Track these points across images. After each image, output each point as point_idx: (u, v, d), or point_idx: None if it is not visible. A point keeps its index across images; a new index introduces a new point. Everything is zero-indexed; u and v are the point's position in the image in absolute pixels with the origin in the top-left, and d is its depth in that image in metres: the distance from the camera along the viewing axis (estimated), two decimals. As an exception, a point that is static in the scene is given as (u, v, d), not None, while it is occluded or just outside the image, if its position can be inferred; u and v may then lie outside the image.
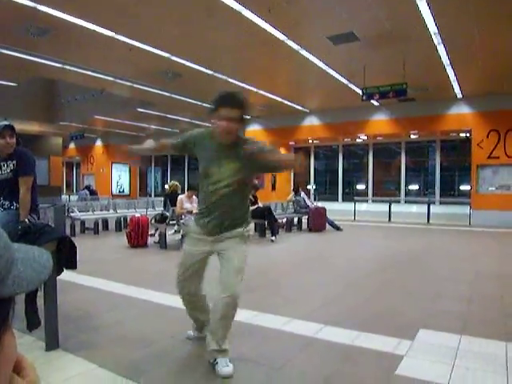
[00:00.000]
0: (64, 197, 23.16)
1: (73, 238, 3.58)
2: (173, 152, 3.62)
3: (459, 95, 13.93)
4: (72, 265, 3.46)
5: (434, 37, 8.71)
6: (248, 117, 2.91)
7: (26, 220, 3.59)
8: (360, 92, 11.79)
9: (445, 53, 9.63)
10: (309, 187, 18.34)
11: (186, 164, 23.33)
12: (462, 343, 3.47)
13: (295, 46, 9.43)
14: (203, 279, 3.20)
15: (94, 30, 8.48)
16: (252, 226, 3.14)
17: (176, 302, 4.68)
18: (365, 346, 3.45)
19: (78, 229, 11.14)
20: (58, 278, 3.41)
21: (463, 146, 15.48)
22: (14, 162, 3.67)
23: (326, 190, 19.37)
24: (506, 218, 13.27)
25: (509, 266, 7.07)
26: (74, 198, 22.51)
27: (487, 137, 13.92)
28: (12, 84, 12.46)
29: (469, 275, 6.32)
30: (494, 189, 14.08)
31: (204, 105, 15.30)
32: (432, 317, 4.25)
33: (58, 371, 2.94)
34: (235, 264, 2.91)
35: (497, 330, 3.80)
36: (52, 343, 3.29)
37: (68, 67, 10.86)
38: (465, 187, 15.80)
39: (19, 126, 3.90)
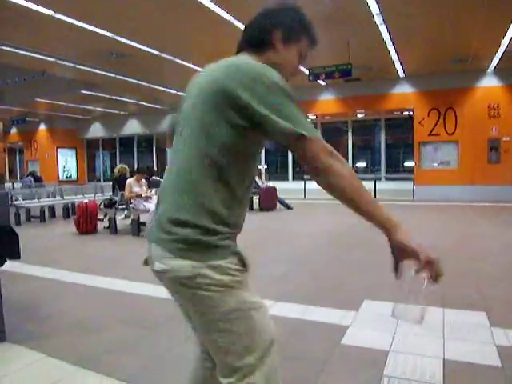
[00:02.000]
0: (7, 184, 22.23)
1: (18, 227, 3.52)
2: None
3: (402, 75, 14.37)
4: (15, 255, 3.38)
5: (376, 17, 8.91)
6: None
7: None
8: (307, 72, 11.91)
9: (387, 33, 9.87)
10: (259, 167, 18.47)
11: (136, 146, 22.90)
12: (402, 311, 3.69)
13: (240, 25, 9.38)
14: None
15: (33, 9, 8.11)
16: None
17: (126, 286, 4.71)
18: (313, 319, 3.62)
19: (23, 217, 10.78)
20: (2, 268, 3.34)
21: (406, 124, 15.99)
22: None
23: (277, 170, 19.56)
24: (445, 192, 13.97)
25: (447, 238, 7.45)
26: (17, 185, 21.66)
27: (428, 115, 14.49)
28: None
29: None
30: (435, 165, 14.70)
31: (152, 86, 15.04)
32: (375, 288, 4.47)
33: (5, 364, 2.92)
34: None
35: (435, 298, 4.04)
36: (-3, 336, 3.22)
37: (5, 48, 10.35)
38: (409, 164, 16.37)
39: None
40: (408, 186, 15.11)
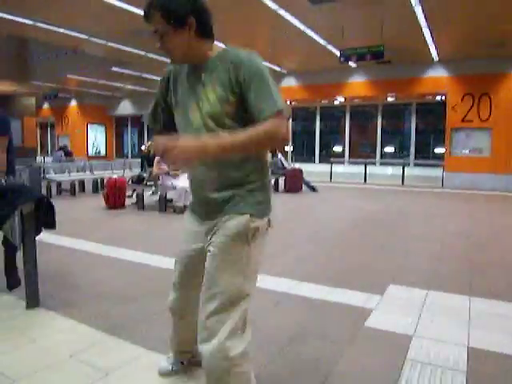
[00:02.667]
0: (39, 158, 22.76)
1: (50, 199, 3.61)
2: None
3: (436, 58, 13.99)
4: (51, 225, 3.51)
5: (411, -3, 8.68)
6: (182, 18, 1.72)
7: (3, 180, 3.60)
8: (338, 54, 11.74)
9: (422, 15, 9.61)
10: (286, 148, 18.41)
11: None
12: (429, 297, 3.69)
13: (273, 6, 9.27)
14: None
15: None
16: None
17: (152, 260, 4.82)
18: (336, 300, 3.63)
19: (54, 190, 11.06)
20: (37, 238, 3.46)
21: (438, 109, 15.61)
22: None
23: (304, 152, 19.46)
24: (476, 180, 13.67)
25: (477, 226, 7.35)
26: (49, 159, 22.14)
27: (461, 100, 14.09)
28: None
29: (439, 234, 6.57)
30: (467, 152, 14.34)
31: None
32: (402, 273, 4.46)
33: (39, 328, 3.04)
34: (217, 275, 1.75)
35: (462, 286, 4.02)
36: (32, 302, 3.37)
37: (40, 24, 10.49)
38: (439, 150, 16.03)
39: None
40: (437, 172, 14.86)
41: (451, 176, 14.28)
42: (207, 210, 1.83)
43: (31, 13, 9.78)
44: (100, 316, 3.24)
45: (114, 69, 16.12)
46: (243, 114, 1.68)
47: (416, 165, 16.23)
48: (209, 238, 1.81)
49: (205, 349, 1.71)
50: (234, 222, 1.73)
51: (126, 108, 24.12)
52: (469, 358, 2.63)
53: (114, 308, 3.43)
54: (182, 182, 8.50)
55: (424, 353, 2.70)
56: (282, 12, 9.65)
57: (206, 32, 1.79)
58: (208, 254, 1.77)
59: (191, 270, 2.00)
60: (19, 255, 3.46)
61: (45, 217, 3.43)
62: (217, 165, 1.73)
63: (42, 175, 10.86)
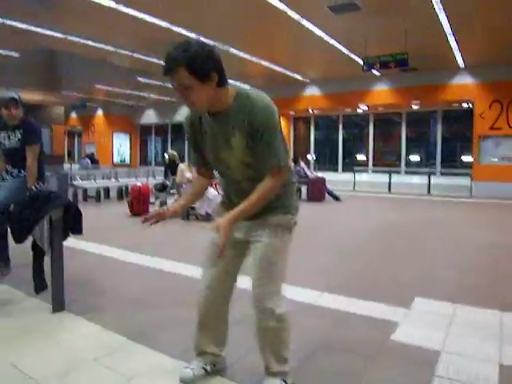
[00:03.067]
0: (66, 165, 23.23)
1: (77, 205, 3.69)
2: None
3: (462, 65, 13.76)
4: (78, 230, 3.59)
5: (435, 5, 8.58)
6: (206, 71, 1.90)
7: (33, 187, 3.72)
8: (361, 62, 11.68)
9: (447, 21, 9.49)
10: (309, 157, 18.36)
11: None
12: (457, 311, 3.57)
13: (295, 16, 9.31)
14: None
15: (95, 1, 8.38)
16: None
17: (175, 267, 4.84)
18: (361, 312, 3.55)
19: (80, 197, 11.26)
20: (64, 243, 3.52)
21: (465, 116, 15.34)
22: (21, 131, 3.78)
23: (327, 161, 19.36)
24: (506, 190, 13.25)
25: (506, 237, 7.14)
26: (75, 166, 22.57)
27: (489, 107, 13.80)
28: (14, 54, 12.40)
29: (466, 245, 6.40)
30: (496, 160, 14.00)
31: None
32: (428, 285, 4.35)
33: (64, 331, 3.08)
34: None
35: (492, 300, 3.88)
36: (58, 305, 3.43)
37: (70, 37, 10.78)
38: (466, 158, 15.74)
39: (22, 96, 3.99)
40: (464, 181, 14.49)
41: (480, 185, 13.92)
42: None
43: (61, 26, 10.06)
44: (124, 322, 3.26)
45: (140, 79, 16.38)
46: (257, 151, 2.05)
47: (442, 173, 15.93)
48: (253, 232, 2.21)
49: (259, 318, 2.20)
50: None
51: (150, 117, 24.45)
52: (500, 376, 2.50)
53: (138, 314, 3.45)
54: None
55: (453, 369, 2.58)
56: (304, 22, 9.67)
57: (223, 81, 1.99)
58: (257, 244, 2.19)
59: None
60: (47, 260, 3.53)
61: (72, 222, 3.50)
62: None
63: (69, 182, 11.08)
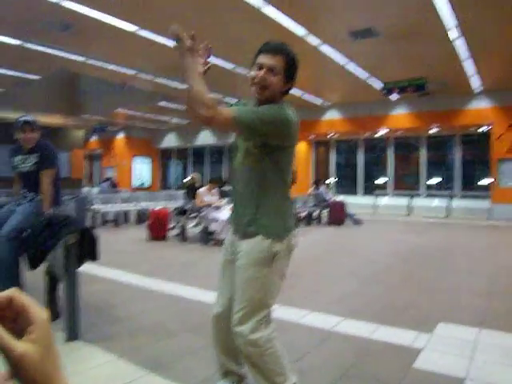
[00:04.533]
0: (85, 189, 23.49)
1: (93, 230, 3.65)
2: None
3: (479, 89, 13.75)
4: (93, 256, 3.53)
5: (452, 31, 8.61)
6: (293, 73, 2.19)
7: (49, 212, 3.69)
8: (379, 87, 11.70)
9: (465, 46, 9.50)
10: (328, 181, 18.27)
11: (207, 157, 23.41)
12: (481, 337, 3.46)
13: (316, 42, 9.39)
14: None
15: (117, 25, 8.57)
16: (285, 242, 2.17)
17: (194, 294, 4.76)
18: (383, 339, 3.46)
19: (98, 221, 11.31)
20: (80, 269, 3.49)
21: (483, 140, 15.26)
22: (37, 155, 3.77)
23: (347, 184, 19.25)
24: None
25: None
26: (94, 190, 22.79)
27: (507, 130, 13.74)
28: (36, 77, 12.66)
29: (489, 269, 6.27)
30: (515, 183, 13.86)
31: (225, 99, 15.36)
32: (451, 310, 4.24)
33: (78, 362, 3.00)
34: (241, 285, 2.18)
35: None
36: (72, 334, 3.34)
37: (91, 61, 11.00)
38: (485, 181, 15.54)
39: (42, 119, 4.01)
40: (484, 204, 14.40)
41: (499, 208, 13.77)
42: None
43: (82, 50, 10.27)
44: (140, 351, 3.20)
45: (161, 103, 16.61)
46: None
47: (462, 196, 15.77)
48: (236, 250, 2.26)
49: (238, 343, 2.14)
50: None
51: (171, 141, 24.69)
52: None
53: (155, 343, 3.38)
54: (225, 214, 8.50)
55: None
56: (324, 47, 9.74)
57: (287, 93, 2.25)
58: (236, 265, 2.24)
59: None
60: (62, 286, 3.49)
61: (88, 248, 3.46)
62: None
63: (88, 206, 11.15)
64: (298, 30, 8.71)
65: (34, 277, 3.67)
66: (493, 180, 14.24)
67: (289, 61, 2.14)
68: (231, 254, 2.26)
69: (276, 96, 2.15)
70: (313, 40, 9.29)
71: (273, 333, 2.15)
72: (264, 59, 2.11)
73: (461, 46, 9.49)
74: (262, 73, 2.09)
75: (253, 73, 2.12)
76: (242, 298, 2.11)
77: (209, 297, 4.44)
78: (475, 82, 12.87)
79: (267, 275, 2.10)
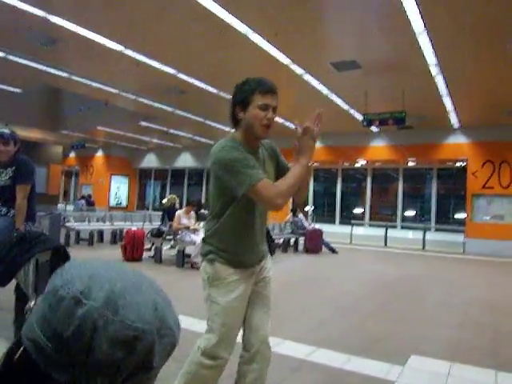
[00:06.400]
0: (60, 206, 23.11)
1: (67, 248, 3.56)
2: None
3: (456, 125, 14.12)
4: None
5: (432, 68, 8.87)
6: None
7: (22, 228, 3.59)
8: (360, 118, 11.92)
9: (443, 83, 9.80)
10: (306, 209, 18.34)
11: (186, 179, 23.32)
12: (453, 370, 3.48)
13: (299, 71, 9.56)
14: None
15: (103, 44, 8.58)
16: (215, 265, 2.24)
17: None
18: (356, 370, 3.45)
19: (72, 239, 11.10)
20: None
21: (459, 174, 15.57)
22: (13, 169, 3.68)
23: (324, 213, 19.37)
24: (498, 248, 13.23)
25: (500, 295, 7.08)
26: (70, 207, 22.43)
27: (482, 167, 14.07)
28: (17, 90, 12.54)
29: (461, 302, 6.33)
30: (488, 218, 14.14)
31: (206, 122, 15.42)
32: (424, 343, 4.25)
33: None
34: None
35: (487, 358, 3.81)
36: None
37: (74, 77, 10.96)
38: (460, 215, 15.80)
39: (21, 133, 3.93)
40: (458, 238, 14.57)
41: (473, 242, 13.95)
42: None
43: (65, 65, 10.25)
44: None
45: (142, 123, 16.59)
46: None
47: (437, 229, 15.94)
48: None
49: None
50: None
51: (150, 161, 24.60)
52: None
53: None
54: (201, 237, 8.45)
55: None
56: (307, 76, 9.92)
57: None
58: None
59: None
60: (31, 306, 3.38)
61: (60, 267, 3.37)
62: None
63: (62, 223, 10.95)
64: (283, 57, 8.86)
65: (2, 294, 3.56)
66: (467, 215, 14.47)
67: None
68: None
69: None
70: (296, 69, 9.45)
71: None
72: (269, 100, 2.14)
73: (440, 82, 9.77)
74: (271, 114, 2.15)
75: (261, 113, 2.12)
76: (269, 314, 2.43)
77: (182, 322, 4.37)
78: (453, 118, 13.21)
79: (212, 295, 2.27)
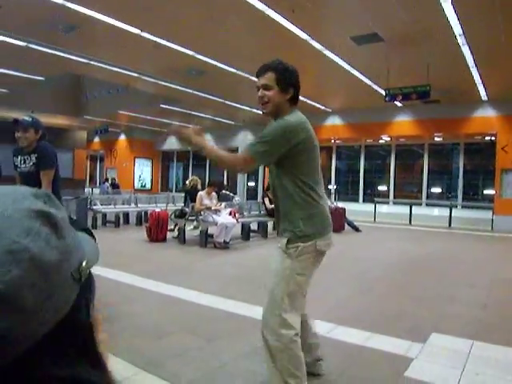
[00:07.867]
0: (87, 189, 23.55)
1: (94, 231, 3.64)
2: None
3: (484, 98, 13.68)
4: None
5: (458, 38, 8.58)
6: (290, 83, 2.45)
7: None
8: (383, 93, 11.70)
9: (470, 54, 9.48)
10: (329, 187, 18.27)
11: (208, 160, 23.37)
12: (474, 348, 3.46)
13: (319, 47, 9.42)
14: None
15: (121, 28, 8.61)
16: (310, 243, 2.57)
17: (191, 296, 4.79)
18: (376, 347, 3.48)
19: (99, 221, 11.35)
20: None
21: (488, 149, 15.19)
22: (36, 155, 3.79)
23: (348, 191, 19.26)
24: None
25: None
26: (96, 191, 22.85)
27: (512, 141, 13.66)
28: (40, 78, 12.73)
29: (486, 281, 6.25)
30: (518, 194, 13.78)
31: (226, 102, 15.39)
32: (445, 321, 4.25)
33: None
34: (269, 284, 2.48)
35: (510, 337, 3.77)
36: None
37: (94, 63, 11.05)
38: (488, 191, 15.45)
39: (46, 120, 4.01)
40: (486, 215, 14.22)
41: (502, 219, 13.63)
42: None
43: (85, 51, 10.33)
44: (134, 350, 3.22)
45: (163, 106, 16.68)
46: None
47: (464, 207, 15.65)
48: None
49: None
50: None
51: (172, 143, 24.75)
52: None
53: (149, 342, 3.41)
54: (224, 217, 8.54)
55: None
56: (327, 52, 9.77)
57: (294, 102, 2.49)
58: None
59: None
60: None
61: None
62: None
63: (89, 206, 11.19)
64: (301, 33, 8.74)
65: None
66: (496, 191, 14.15)
67: (279, 73, 2.41)
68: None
69: (281, 107, 2.43)
70: (316, 45, 9.32)
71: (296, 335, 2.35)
72: (258, 81, 2.46)
73: (467, 54, 9.45)
74: (259, 93, 2.43)
75: (258, 93, 2.44)
76: (271, 293, 2.48)
77: (205, 299, 4.47)
78: (481, 91, 12.81)
79: (288, 271, 2.48)
